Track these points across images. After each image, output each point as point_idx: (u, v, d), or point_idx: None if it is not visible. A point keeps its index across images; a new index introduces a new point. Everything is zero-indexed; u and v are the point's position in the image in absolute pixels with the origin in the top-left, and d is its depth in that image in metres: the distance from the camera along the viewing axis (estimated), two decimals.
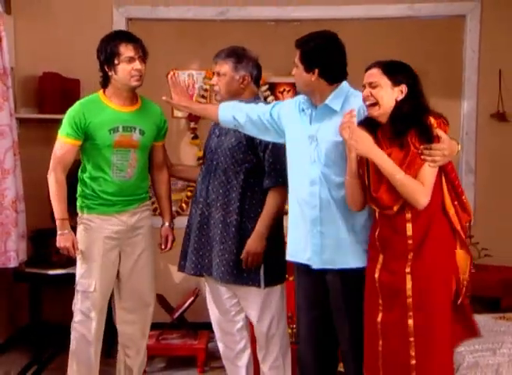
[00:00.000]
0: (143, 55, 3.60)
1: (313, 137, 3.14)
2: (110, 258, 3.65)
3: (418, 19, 5.07)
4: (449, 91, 5.08)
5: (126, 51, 3.54)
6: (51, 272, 4.34)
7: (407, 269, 2.83)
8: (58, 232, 3.59)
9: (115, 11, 5.07)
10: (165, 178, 3.86)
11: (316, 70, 3.11)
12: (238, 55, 3.57)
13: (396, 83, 2.87)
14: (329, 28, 5.11)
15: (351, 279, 3.08)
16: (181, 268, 3.68)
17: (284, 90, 5.21)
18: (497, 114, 5.00)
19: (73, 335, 3.66)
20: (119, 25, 5.05)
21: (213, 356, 4.52)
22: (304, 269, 3.20)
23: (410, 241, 2.83)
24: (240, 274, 3.45)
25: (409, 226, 2.84)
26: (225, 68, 3.54)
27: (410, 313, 2.81)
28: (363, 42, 4.97)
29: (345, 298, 3.10)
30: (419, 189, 2.77)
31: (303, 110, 3.22)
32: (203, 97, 5.20)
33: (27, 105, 4.97)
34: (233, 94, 3.55)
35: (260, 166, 3.46)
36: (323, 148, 3.10)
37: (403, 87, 2.86)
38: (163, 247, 3.83)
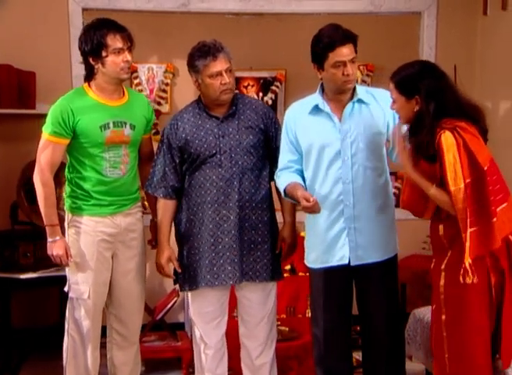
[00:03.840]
0: (130, 44, 3.40)
1: (347, 133, 3.19)
2: (104, 263, 3.47)
3: (379, 15, 5.13)
4: None
5: (115, 42, 3.34)
6: (23, 276, 4.11)
7: (442, 266, 2.90)
8: (49, 239, 3.37)
9: (70, 0, 4.82)
10: None
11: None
12: None
13: (408, 97, 2.90)
14: (291, 22, 5.18)
15: (387, 268, 3.27)
16: (212, 281, 3.41)
17: (248, 84, 5.16)
18: None
19: (69, 343, 3.49)
20: (75, 15, 4.82)
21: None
22: (332, 271, 3.27)
23: (444, 240, 2.91)
24: (279, 269, 3.53)
25: (441, 226, 2.92)
26: None
27: (443, 309, 2.88)
28: None
29: (383, 287, 3.27)
30: (447, 199, 2.80)
31: (318, 110, 3.24)
32: (163, 91, 5.07)
33: None
34: None
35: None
36: (362, 142, 3.16)
37: (417, 99, 2.88)
38: (154, 243, 3.66)
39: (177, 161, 3.46)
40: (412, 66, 2.97)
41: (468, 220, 2.74)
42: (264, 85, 5.15)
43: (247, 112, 3.47)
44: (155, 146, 4.90)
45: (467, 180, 2.76)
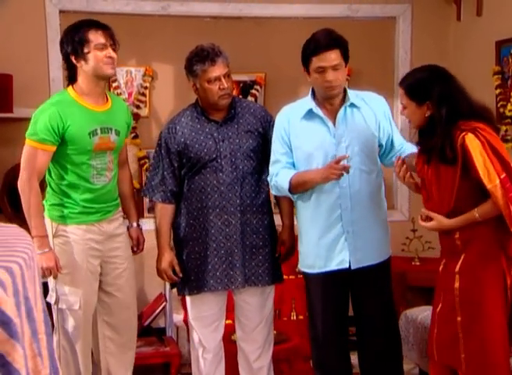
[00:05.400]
0: (114, 44, 3.33)
1: (341, 138, 3.20)
2: (93, 272, 3.41)
3: (356, 20, 5.18)
4: (383, 91, 5.21)
5: (97, 37, 3.26)
6: None
7: (457, 269, 2.90)
8: (39, 251, 3.21)
9: (47, 2, 4.75)
10: (128, 175, 3.66)
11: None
12: None
13: (419, 103, 2.90)
14: (269, 26, 5.19)
15: (382, 270, 3.32)
16: (216, 286, 3.40)
17: None
18: None
19: (61, 354, 3.38)
20: (52, 17, 4.76)
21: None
22: (331, 275, 3.28)
23: (458, 242, 2.91)
24: (279, 272, 3.55)
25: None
26: None
27: (459, 311, 2.88)
28: (302, 41, 5.01)
29: (380, 289, 3.33)
30: (492, 205, 2.77)
31: (312, 115, 3.25)
32: (142, 95, 5.01)
33: None
34: None
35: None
36: (357, 146, 3.20)
37: (428, 104, 2.88)
38: (135, 249, 3.64)
39: (176, 165, 3.43)
40: (421, 70, 2.97)
41: None
42: (244, 88, 5.12)
43: (245, 115, 3.46)
44: (134, 150, 4.95)
45: (502, 176, 2.74)
